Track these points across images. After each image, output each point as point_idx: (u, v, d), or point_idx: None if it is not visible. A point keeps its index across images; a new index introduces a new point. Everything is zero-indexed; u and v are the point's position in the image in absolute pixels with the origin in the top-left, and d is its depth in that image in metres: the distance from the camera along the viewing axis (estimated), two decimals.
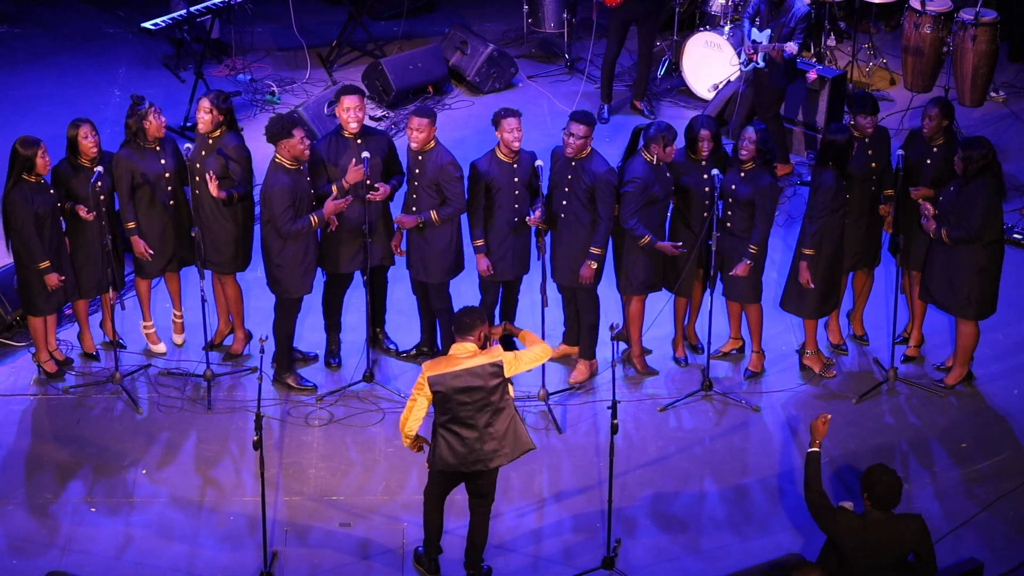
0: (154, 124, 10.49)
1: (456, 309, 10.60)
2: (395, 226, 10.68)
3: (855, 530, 8.30)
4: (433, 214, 10.42)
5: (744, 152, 10.44)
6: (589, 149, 10.40)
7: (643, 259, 10.60)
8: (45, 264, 10.36)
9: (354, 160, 10.29)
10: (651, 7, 13.95)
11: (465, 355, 8.72)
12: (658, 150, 10.37)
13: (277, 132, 10.15)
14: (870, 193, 10.78)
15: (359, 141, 10.49)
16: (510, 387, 8.86)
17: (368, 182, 10.33)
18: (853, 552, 8.27)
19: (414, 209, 10.52)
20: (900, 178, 10.52)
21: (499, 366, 8.72)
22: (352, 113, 10.44)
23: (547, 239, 10.50)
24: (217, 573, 9.32)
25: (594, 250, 10.45)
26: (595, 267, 10.48)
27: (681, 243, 10.55)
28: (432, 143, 10.41)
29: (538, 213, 10.39)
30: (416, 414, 8.81)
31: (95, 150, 10.46)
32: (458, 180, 10.40)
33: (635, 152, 10.52)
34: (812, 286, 10.53)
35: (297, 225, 10.20)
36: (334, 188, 10.38)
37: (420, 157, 10.41)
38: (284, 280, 10.45)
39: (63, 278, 10.45)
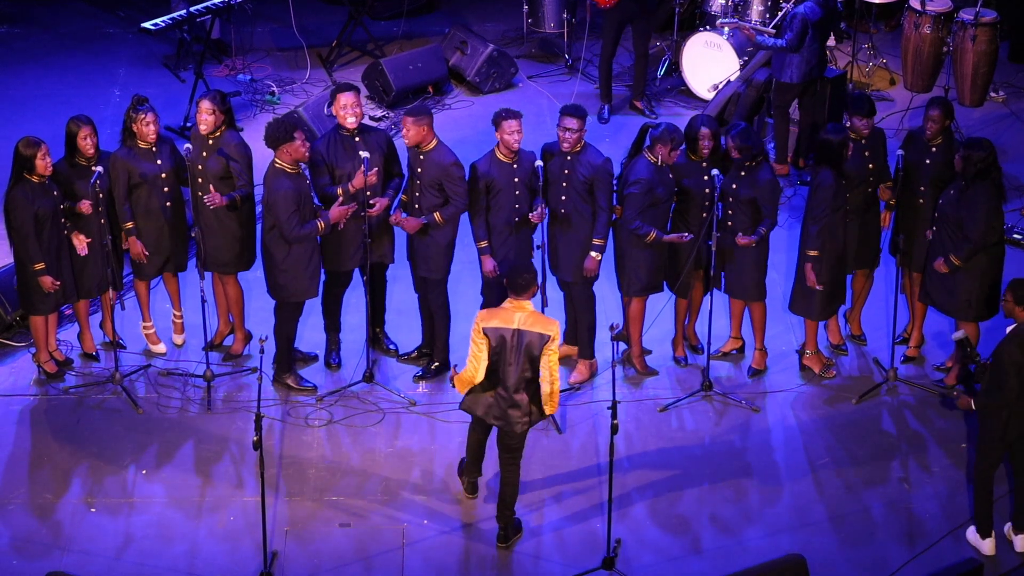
0: (143, 131, 10.48)
1: (454, 302, 10.64)
2: (392, 210, 10.66)
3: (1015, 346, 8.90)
4: (437, 216, 10.43)
5: (732, 156, 10.47)
6: (583, 142, 10.41)
7: (645, 260, 10.59)
8: (40, 266, 10.35)
9: (361, 169, 10.28)
10: (644, 7, 13.96)
11: (520, 313, 9.03)
12: (663, 152, 10.37)
13: (278, 137, 10.12)
14: (867, 194, 10.78)
15: (357, 139, 10.49)
16: (552, 359, 9.06)
17: (369, 177, 10.33)
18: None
19: (416, 207, 10.53)
20: (900, 178, 10.52)
21: (547, 339, 8.99)
22: (348, 110, 10.43)
23: (544, 237, 10.50)
24: (217, 573, 9.32)
25: (596, 241, 10.46)
26: (599, 258, 10.49)
27: (687, 233, 10.53)
28: (433, 142, 10.41)
29: (540, 208, 10.39)
30: (482, 364, 9.09)
31: (92, 151, 10.47)
32: (461, 180, 10.41)
33: (639, 152, 10.51)
34: (819, 287, 10.52)
35: (304, 230, 10.20)
36: (339, 191, 10.38)
37: (421, 156, 10.42)
38: (289, 285, 10.44)
39: (59, 283, 10.44)
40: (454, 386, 9.32)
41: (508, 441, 9.27)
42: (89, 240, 10.49)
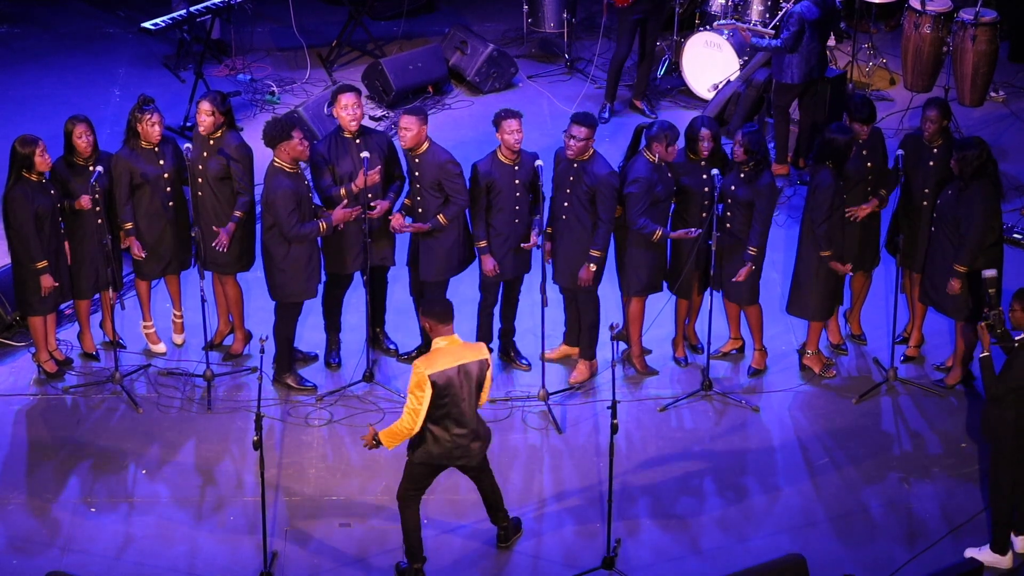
0: (147, 131, 10.48)
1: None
2: (394, 209, 10.65)
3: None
4: (440, 218, 10.43)
5: (735, 155, 10.46)
6: (591, 151, 10.39)
7: (646, 260, 10.60)
8: (43, 264, 10.36)
9: (362, 169, 10.28)
10: (658, 5, 13.96)
11: (455, 347, 8.82)
12: (660, 149, 10.37)
13: (276, 135, 10.13)
14: (866, 194, 10.78)
15: (358, 141, 10.49)
16: (489, 379, 8.99)
17: (370, 176, 10.33)
18: None
19: (419, 211, 10.53)
20: (900, 179, 10.52)
21: (486, 365, 8.87)
22: (350, 111, 10.43)
23: (543, 238, 10.52)
24: (217, 573, 9.32)
25: (593, 252, 10.45)
26: (594, 269, 10.48)
27: (693, 228, 10.51)
28: (425, 144, 10.39)
29: (534, 237, 10.42)
30: (421, 416, 8.77)
31: (89, 149, 10.47)
32: (459, 176, 10.40)
33: (637, 151, 10.52)
34: (850, 272, 10.63)
35: (305, 229, 10.20)
36: (342, 192, 10.37)
37: (416, 159, 10.41)
38: (288, 285, 10.44)
39: (57, 284, 10.44)
40: (378, 445, 8.87)
41: (471, 468, 9.14)
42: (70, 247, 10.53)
